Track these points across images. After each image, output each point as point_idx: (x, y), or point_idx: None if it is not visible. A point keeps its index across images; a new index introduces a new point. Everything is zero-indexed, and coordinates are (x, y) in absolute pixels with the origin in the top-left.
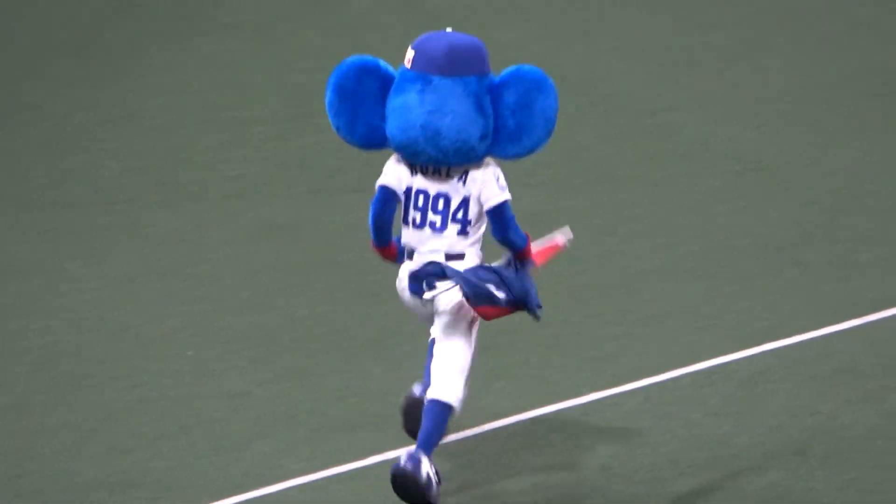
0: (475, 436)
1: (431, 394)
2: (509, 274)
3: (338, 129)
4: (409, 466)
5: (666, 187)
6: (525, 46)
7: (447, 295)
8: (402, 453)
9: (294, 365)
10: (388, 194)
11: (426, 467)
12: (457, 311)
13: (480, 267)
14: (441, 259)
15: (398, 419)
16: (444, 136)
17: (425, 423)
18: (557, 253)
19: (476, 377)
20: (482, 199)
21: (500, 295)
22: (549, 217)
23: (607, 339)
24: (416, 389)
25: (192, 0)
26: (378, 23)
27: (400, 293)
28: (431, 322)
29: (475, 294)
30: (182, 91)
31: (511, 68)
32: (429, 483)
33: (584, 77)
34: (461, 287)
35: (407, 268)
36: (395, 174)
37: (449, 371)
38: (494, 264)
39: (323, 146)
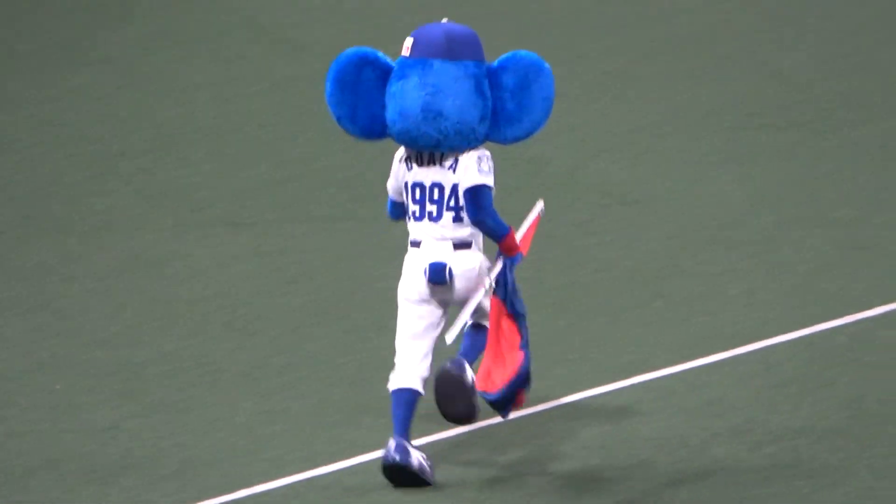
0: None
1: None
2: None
3: (339, 119)
4: (399, 457)
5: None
6: None
7: (462, 287)
8: (390, 443)
9: (162, 399)
10: (391, 201)
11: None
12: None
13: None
14: (449, 249)
15: (283, 444)
16: (446, 116)
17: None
18: (536, 227)
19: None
20: (461, 181)
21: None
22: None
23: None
24: (392, 446)
25: (60, 34)
26: (245, 54)
27: (409, 279)
28: (429, 327)
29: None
30: (50, 123)
31: (508, 54)
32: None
33: None
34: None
35: (420, 258)
36: (394, 183)
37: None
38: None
39: (190, 180)
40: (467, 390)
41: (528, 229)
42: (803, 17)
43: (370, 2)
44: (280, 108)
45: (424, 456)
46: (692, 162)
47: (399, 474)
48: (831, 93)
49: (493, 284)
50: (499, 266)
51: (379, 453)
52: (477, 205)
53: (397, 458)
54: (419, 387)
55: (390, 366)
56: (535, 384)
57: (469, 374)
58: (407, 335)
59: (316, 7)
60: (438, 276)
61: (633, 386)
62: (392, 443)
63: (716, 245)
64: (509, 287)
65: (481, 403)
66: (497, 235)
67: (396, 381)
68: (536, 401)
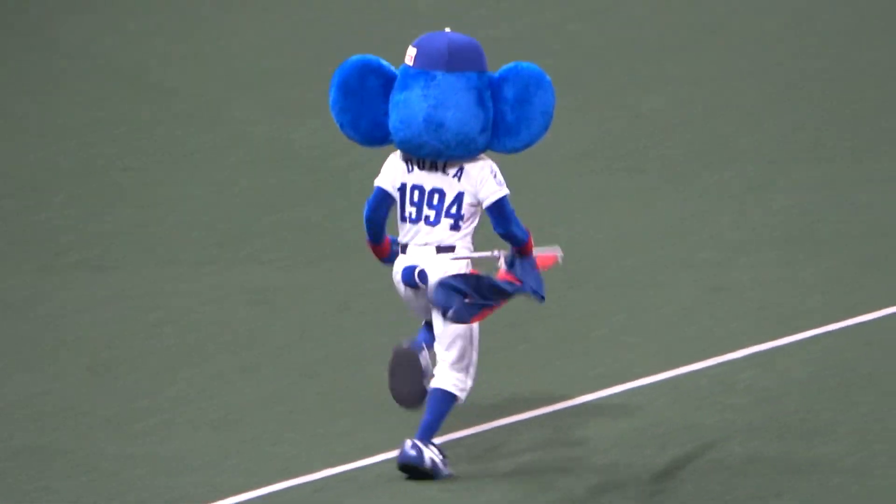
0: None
1: (436, 383)
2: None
3: (342, 125)
4: (413, 455)
5: None
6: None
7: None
8: (406, 441)
9: (26, 443)
10: (381, 195)
11: (429, 454)
12: None
13: (452, 277)
14: (432, 252)
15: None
16: (448, 128)
17: (428, 412)
18: (552, 266)
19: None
20: (481, 196)
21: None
22: (284, 292)
23: (342, 415)
24: (408, 445)
25: None
26: (108, 97)
27: (396, 286)
28: (425, 314)
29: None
30: None
31: (510, 65)
32: (434, 467)
33: (314, 153)
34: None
35: (401, 262)
36: (390, 176)
37: (453, 362)
38: (498, 256)
39: (53, 223)
40: (428, 471)
41: (544, 258)
42: (663, 61)
43: (229, 47)
44: (144, 152)
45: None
46: (556, 204)
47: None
48: (694, 136)
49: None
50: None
51: (242, 497)
52: (504, 216)
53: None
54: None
55: (255, 409)
56: (404, 424)
57: (427, 456)
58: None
59: (179, 52)
60: (409, 279)
61: (495, 429)
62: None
63: (580, 287)
64: (517, 271)
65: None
66: (521, 243)
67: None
68: (383, 447)
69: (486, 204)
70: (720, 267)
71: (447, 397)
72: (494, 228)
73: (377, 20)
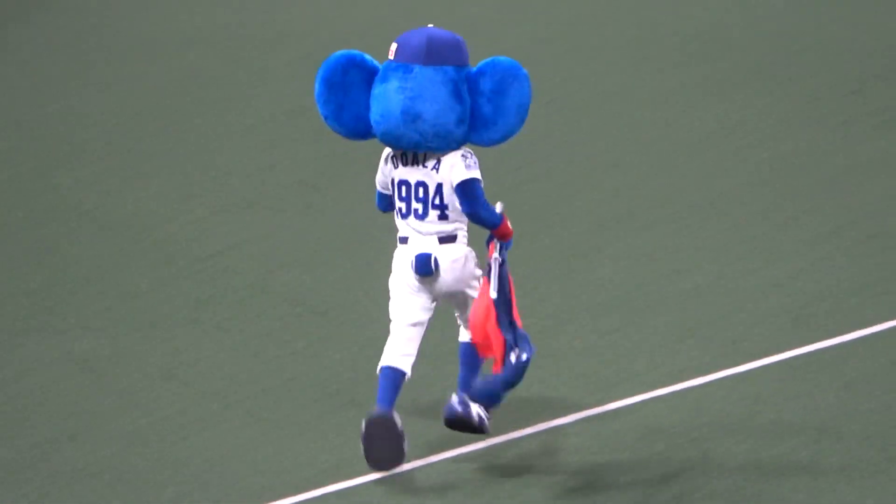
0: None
1: (463, 336)
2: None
3: (326, 118)
4: (460, 411)
5: (227, 331)
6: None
7: (450, 278)
8: (453, 396)
9: None
10: (378, 195)
11: (475, 409)
12: (462, 292)
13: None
14: (435, 242)
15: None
16: (424, 119)
17: (463, 365)
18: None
19: None
20: (451, 178)
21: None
22: (109, 359)
23: (167, 484)
24: (455, 401)
25: None
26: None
27: (394, 277)
28: (433, 297)
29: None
30: None
31: (488, 59)
32: (480, 422)
33: (134, 223)
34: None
35: (408, 252)
36: (381, 176)
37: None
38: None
39: None
40: (475, 426)
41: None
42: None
43: (54, 113)
44: None
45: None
46: (376, 272)
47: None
48: (515, 201)
49: (494, 264)
50: (496, 249)
51: None
52: (470, 197)
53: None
54: (406, 369)
55: (81, 478)
56: (227, 495)
57: (474, 410)
58: (399, 323)
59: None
60: (424, 268)
61: (326, 495)
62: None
63: None
64: (506, 265)
65: None
66: (492, 224)
67: (385, 361)
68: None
69: (454, 184)
70: (543, 334)
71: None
72: (462, 209)
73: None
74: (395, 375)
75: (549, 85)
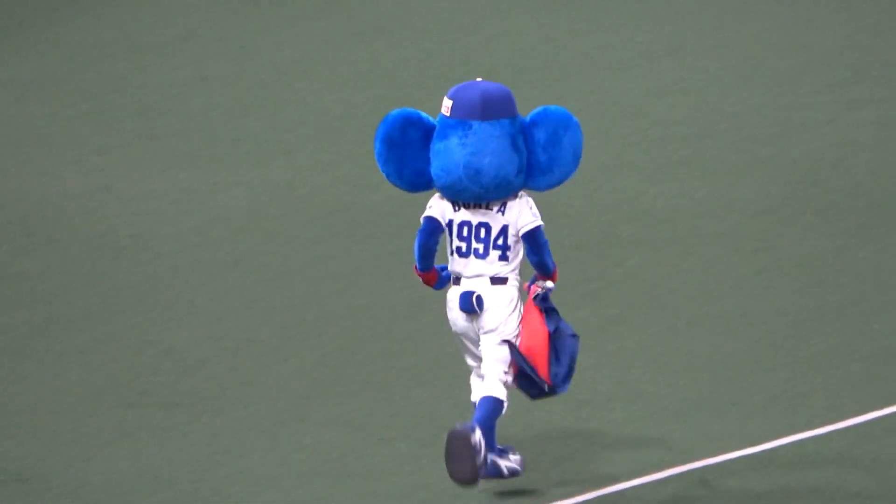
0: None
1: (484, 392)
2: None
3: (388, 175)
4: (460, 429)
5: None
6: None
7: (493, 315)
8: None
9: None
10: (433, 224)
11: (478, 435)
12: (502, 331)
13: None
14: (486, 283)
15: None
16: (485, 173)
17: (478, 412)
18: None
19: None
20: (518, 225)
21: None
22: None
23: None
24: (458, 425)
25: None
26: None
27: (450, 318)
28: (475, 343)
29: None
30: None
31: (539, 109)
32: (478, 447)
33: None
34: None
35: (456, 291)
36: (439, 208)
37: (497, 376)
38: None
39: None
40: (473, 449)
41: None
42: None
43: None
44: None
45: (517, 459)
46: (84, 440)
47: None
48: (221, 373)
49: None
50: (539, 289)
51: None
52: (538, 244)
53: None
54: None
55: None
56: None
57: (476, 436)
58: (468, 358)
59: None
60: (467, 305)
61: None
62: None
63: None
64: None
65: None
66: (550, 270)
67: (474, 393)
68: None
69: (522, 232)
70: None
71: (494, 402)
72: (528, 256)
73: None
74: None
75: None
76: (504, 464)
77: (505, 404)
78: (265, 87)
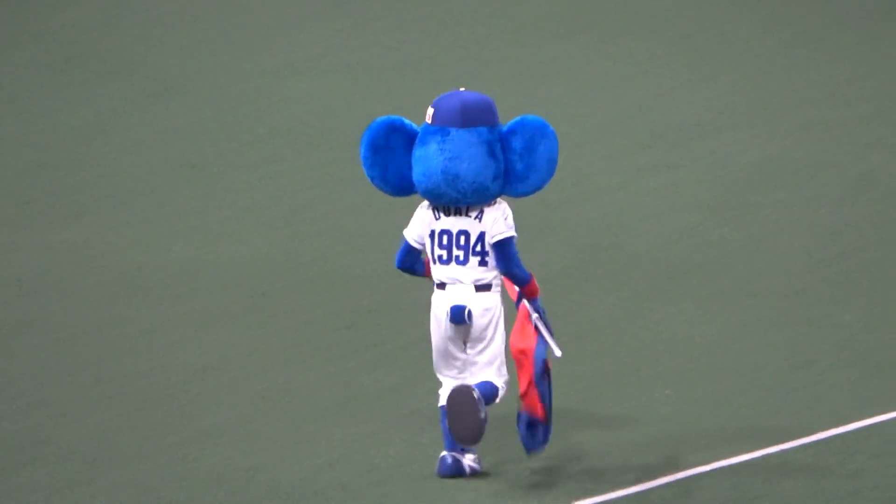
0: None
1: (483, 378)
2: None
3: (372, 178)
4: (462, 387)
5: None
6: None
7: (481, 324)
8: (445, 456)
9: None
10: (406, 248)
11: (478, 393)
12: (492, 338)
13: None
14: (471, 290)
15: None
16: (463, 178)
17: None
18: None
19: None
20: (491, 233)
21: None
22: None
23: None
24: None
25: None
26: None
27: (433, 323)
28: (459, 350)
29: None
30: None
31: (517, 118)
32: (472, 470)
33: None
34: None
35: (444, 300)
36: (416, 229)
37: (490, 376)
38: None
39: None
40: (476, 403)
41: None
42: None
43: None
44: None
45: (474, 458)
46: None
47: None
48: (12, 433)
49: (539, 323)
50: (530, 308)
51: None
52: (506, 255)
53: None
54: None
55: None
56: None
57: (477, 392)
58: (442, 366)
59: None
60: (458, 318)
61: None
62: (448, 457)
63: None
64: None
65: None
66: (522, 280)
67: (443, 399)
68: None
69: (493, 241)
70: None
71: (493, 388)
72: (496, 264)
73: None
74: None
75: None
76: (467, 464)
77: (500, 393)
78: (59, 148)
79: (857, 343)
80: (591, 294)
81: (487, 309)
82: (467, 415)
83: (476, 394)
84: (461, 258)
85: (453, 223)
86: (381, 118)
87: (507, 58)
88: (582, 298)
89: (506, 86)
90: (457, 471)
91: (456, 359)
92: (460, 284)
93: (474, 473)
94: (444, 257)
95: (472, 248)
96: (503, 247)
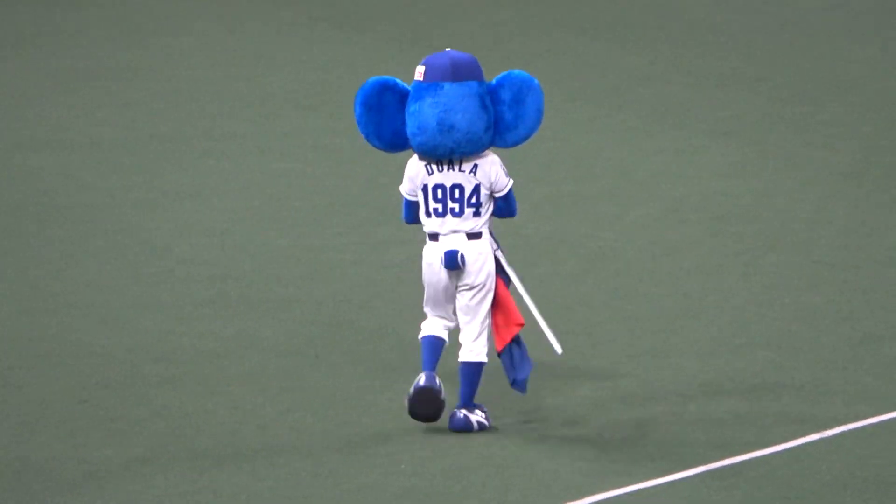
0: None
1: (465, 357)
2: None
3: (367, 136)
4: (462, 422)
5: None
6: None
7: (475, 269)
8: (455, 412)
9: None
10: (408, 203)
11: (475, 418)
12: (483, 284)
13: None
14: (463, 239)
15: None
16: (458, 129)
17: (465, 385)
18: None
19: None
20: (495, 188)
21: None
22: None
23: None
24: (422, 380)
25: None
26: None
27: (427, 271)
28: (449, 298)
29: None
30: None
31: (503, 73)
32: (481, 427)
33: None
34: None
35: (437, 248)
36: (409, 184)
37: (475, 337)
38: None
39: None
40: (439, 401)
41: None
42: None
43: None
44: None
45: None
46: None
47: (426, 400)
48: None
49: (502, 257)
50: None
51: None
52: (510, 203)
53: (424, 383)
54: (444, 336)
55: None
56: None
57: (474, 419)
58: (431, 307)
59: None
60: (452, 263)
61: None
62: (423, 374)
63: None
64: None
65: None
66: (514, 216)
67: (425, 331)
68: None
69: (499, 194)
70: None
71: (478, 368)
72: (496, 211)
73: None
74: (436, 342)
75: None
76: (475, 419)
77: (485, 362)
78: None
79: None
80: (331, 368)
81: (480, 253)
82: (431, 405)
83: (475, 427)
84: (457, 210)
85: (446, 178)
86: (373, 78)
87: None
88: (322, 373)
89: None
90: (465, 426)
91: (448, 304)
92: (453, 234)
93: (483, 429)
94: (440, 210)
95: (468, 200)
96: (508, 198)
